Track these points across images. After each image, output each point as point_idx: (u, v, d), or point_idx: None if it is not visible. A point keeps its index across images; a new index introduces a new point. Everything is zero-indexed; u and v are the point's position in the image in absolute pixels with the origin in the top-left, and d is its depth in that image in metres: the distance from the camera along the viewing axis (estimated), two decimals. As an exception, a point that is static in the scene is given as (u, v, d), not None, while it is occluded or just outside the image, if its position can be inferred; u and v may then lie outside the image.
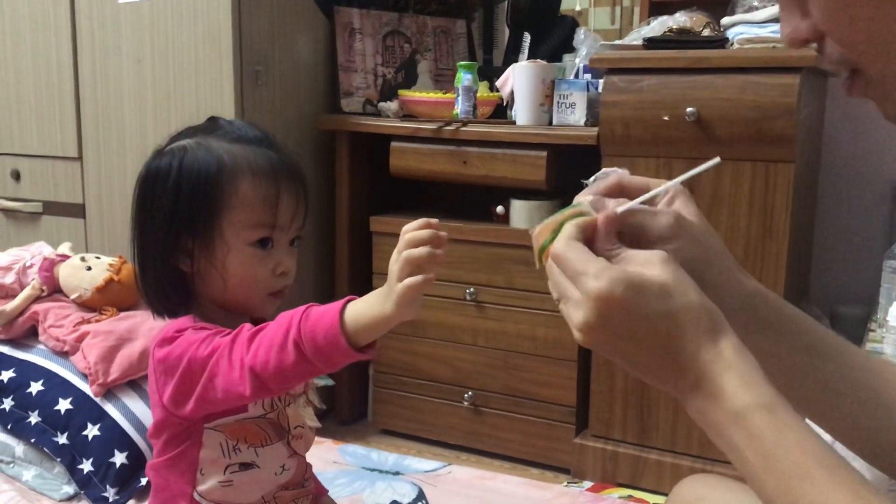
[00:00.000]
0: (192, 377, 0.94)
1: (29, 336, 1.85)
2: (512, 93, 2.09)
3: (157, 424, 1.04)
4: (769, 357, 0.71)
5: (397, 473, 1.80)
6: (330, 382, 2.10)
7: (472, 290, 2.08)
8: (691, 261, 0.68)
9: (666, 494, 1.13)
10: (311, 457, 1.14)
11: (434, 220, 0.88)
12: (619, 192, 0.73)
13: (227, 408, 0.99)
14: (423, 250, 0.86)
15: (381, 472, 1.80)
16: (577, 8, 2.48)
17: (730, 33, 1.85)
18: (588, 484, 1.95)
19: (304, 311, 0.90)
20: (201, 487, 1.02)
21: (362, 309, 0.88)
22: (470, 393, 2.13)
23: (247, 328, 0.93)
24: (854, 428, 0.76)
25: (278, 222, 1.02)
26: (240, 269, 1.01)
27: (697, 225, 0.72)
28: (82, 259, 1.89)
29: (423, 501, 1.67)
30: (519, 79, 2.03)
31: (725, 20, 1.89)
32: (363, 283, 2.24)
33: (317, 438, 1.73)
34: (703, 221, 0.73)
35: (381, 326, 0.87)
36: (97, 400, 1.70)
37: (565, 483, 1.96)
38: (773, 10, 1.78)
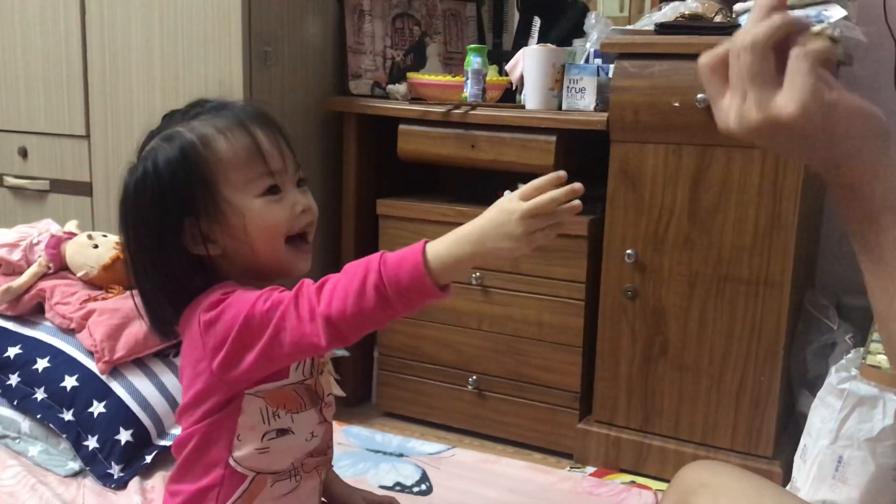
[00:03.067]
0: (250, 334, 0.93)
1: (35, 313, 1.85)
2: (521, 77, 2.08)
3: (196, 395, 1.01)
4: None
5: (401, 455, 1.80)
6: (345, 353, 2.11)
7: (478, 274, 2.08)
8: None
9: (668, 481, 1.13)
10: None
11: (563, 173, 0.91)
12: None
13: (290, 363, 0.99)
14: (568, 208, 0.90)
15: (384, 453, 1.81)
16: (588, -6, 2.46)
17: (742, 20, 1.84)
18: (591, 469, 1.96)
19: (381, 257, 0.91)
20: (237, 453, 1.02)
21: (449, 246, 0.90)
22: (474, 377, 2.13)
23: (308, 282, 0.93)
24: None
25: (272, 167, 1.01)
26: (260, 222, 1.00)
27: None
28: (89, 237, 1.89)
29: (427, 483, 1.68)
30: (529, 63, 2.02)
31: (738, 6, 1.88)
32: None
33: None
34: None
35: (471, 266, 0.91)
36: (103, 377, 1.70)
37: (568, 468, 1.96)
38: (787, -4, 1.77)
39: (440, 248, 0.89)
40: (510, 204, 0.90)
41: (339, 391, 1.13)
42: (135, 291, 1.06)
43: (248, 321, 0.93)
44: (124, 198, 1.03)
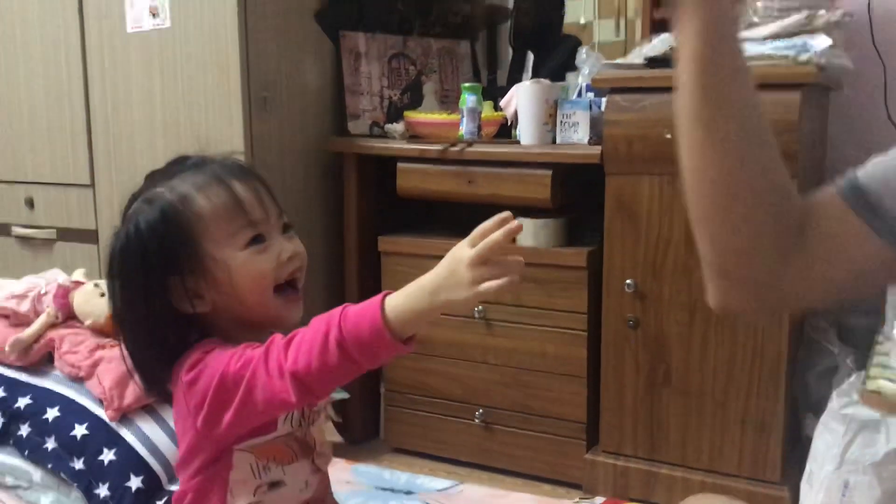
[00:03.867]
0: (226, 393, 0.94)
1: (45, 363, 1.87)
2: (516, 112, 2.12)
3: (187, 451, 1.03)
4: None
5: (409, 493, 1.81)
6: (345, 395, 2.12)
7: (480, 307, 2.10)
8: None
9: (676, 511, 1.14)
10: (324, 476, 1.16)
11: (507, 213, 0.89)
12: None
13: (266, 419, 0.99)
14: (515, 260, 0.88)
15: (393, 491, 1.82)
16: (582, 21, 2.50)
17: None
18: (600, 499, 1.96)
19: (342, 312, 0.90)
20: None
21: (405, 301, 0.89)
22: (481, 410, 2.14)
23: (279, 337, 0.94)
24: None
25: (253, 218, 1.02)
26: (246, 274, 1.01)
27: None
28: (96, 285, 1.91)
29: (436, 520, 1.68)
30: (523, 99, 2.05)
31: (726, 37, 1.91)
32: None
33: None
34: None
35: (429, 318, 0.89)
36: (112, 425, 1.72)
37: (577, 499, 1.97)
38: (774, 26, 1.80)
39: (398, 301, 0.89)
40: (459, 251, 0.88)
41: (335, 437, 1.14)
42: (126, 354, 1.07)
43: (222, 381, 0.94)
44: (110, 263, 1.04)
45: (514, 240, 0.90)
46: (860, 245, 0.74)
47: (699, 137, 0.76)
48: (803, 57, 1.71)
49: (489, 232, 0.88)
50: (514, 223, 0.88)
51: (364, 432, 2.36)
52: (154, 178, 1.07)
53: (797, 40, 1.74)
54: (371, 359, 0.90)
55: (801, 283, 0.77)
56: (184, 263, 1.01)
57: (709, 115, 0.75)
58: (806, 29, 1.78)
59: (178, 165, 1.07)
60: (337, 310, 0.91)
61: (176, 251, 1.00)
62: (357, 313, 0.89)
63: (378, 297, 0.89)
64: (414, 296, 0.88)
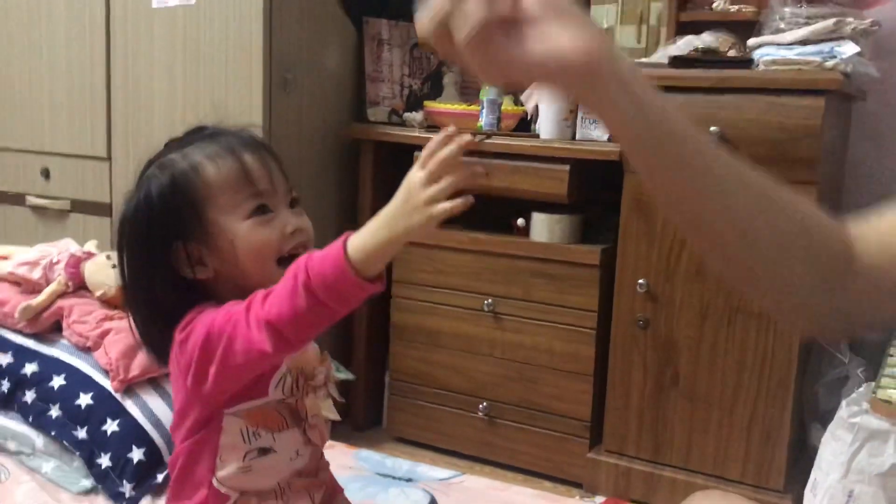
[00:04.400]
0: (210, 348, 0.94)
1: (53, 331, 1.87)
2: (536, 107, 2.11)
3: (180, 411, 1.05)
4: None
5: (410, 480, 1.81)
6: (350, 376, 2.12)
7: (490, 301, 2.09)
8: None
9: (678, 511, 1.13)
10: (324, 459, 1.15)
11: (451, 129, 0.85)
12: None
13: (248, 375, 0.99)
14: (461, 175, 0.82)
15: (394, 478, 1.81)
16: (604, 26, 2.49)
17: (756, 54, 1.86)
18: (601, 499, 1.95)
19: (308, 256, 0.89)
20: (220, 473, 1.04)
21: (366, 236, 0.86)
22: (485, 404, 2.14)
23: (260, 292, 0.93)
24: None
25: (259, 189, 1.03)
26: (248, 244, 1.01)
27: None
28: (108, 257, 1.91)
29: (435, 509, 1.68)
30: (544, 93, 2.04)
31: (752, 41, 1.90)
32: (384, 290, 2.26)
33: (331, 443, 1.74)
34: None
35: (391, 250, 0.86)
36: (117, 396, 1.72)
37: (578, 497, 1.96)
38: (800, 32, 1.79)
39: (361, 238, 0.87)
40: (412, 175, 0.85)
41: (333, 415, 1.13)
42: (132, 321, 1.08)
43: (208, 336, 0.95)
44: (121, 225, 1.06)
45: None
46: None
47: (691, 228, 0.68)
48: (829, 63, 1.70)
49: (436, 150, 0.84)
50: (464, 136, 0.84)
51: (367, 420, 2.35)
52: (171, 145, 1.09)
53: (824, 46, 1.73)
54: (338, 300, 0.87)
55: (868, 305, 0.72)
56: (188, 229, 1.02)
57: (690, 205, 0.65)
58: (833, 36, 1.76)
59: (195, 134, 1.09)
60: (303, 256, 0.90)
61: (182, 216, 1.02)
62: (322, 254, 0.88)
63: (342, 236, 0.88)
64: (373, 229, 0.86)
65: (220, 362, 0.95)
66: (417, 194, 0.84)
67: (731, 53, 1.91)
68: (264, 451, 1.04)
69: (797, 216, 0.69)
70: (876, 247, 0.71)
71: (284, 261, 1.04)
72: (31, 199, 2.48)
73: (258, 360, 0.95)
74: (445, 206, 0.82)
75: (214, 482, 1.04)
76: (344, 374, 2.03)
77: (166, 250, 1.02)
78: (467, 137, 0.84)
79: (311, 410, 1.09)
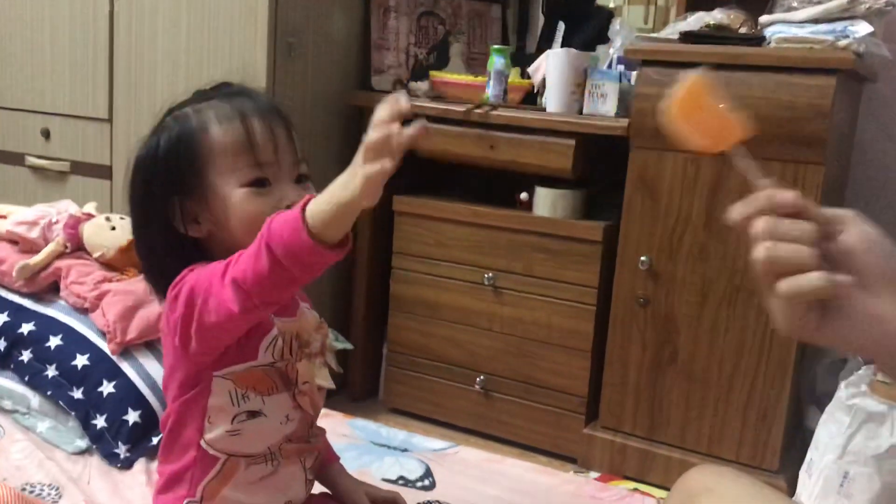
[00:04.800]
0: (193, 305, 0.94)
1: (50, 291, 1.86)
2: (544, 80, 2.09)
3: (169, 369, 1.05)
4: None
5: (405, 450, 1.81)
6: (348, 346, 2.11)
7: (490, 275, 2.08)
8: None
9: (673, 488, 1.13)
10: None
11: (400, 94, 0.83)
12: None
13: (225, 336, 0.98)
14: (379, 134, 0.80)
15: (389, 447, 1.81)
16: (612, 5, 2.47)
17: (767, 32, 1.83)
18: (595, 474, 1.95)
19: (273, 217, 0.88)
20: (208, 436, 1.03)
21: (321, 201, 0.84)
22: (482, 377, 2.13)
23: (240, 252, 0.92)
24: None
25: (261, 159, 1.01)
26: (240, 212, 1.01)
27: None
28: (107, 219, 1.90)
29: (430, 479, 1.68)
30: (552, 66, 2.02)
31: (763, 18, 1.87)
32: (384, 261, 2.25)
33: (327, 412, 1.74)
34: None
35: (345, 215, 0.84)
36: (114, 358, 1.71)
37: (572, 472, 1.96)
38: (813, 10, 1.77)
39: (315, 202, 0.85)
40: (364, 139, 0.83)
41: (327, 383, 1.12)
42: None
43: (191, 293, 0.95)
44: (134, 169, 1.06)
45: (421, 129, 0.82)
46: None
47: None
48: (842, 42, 1.68)
49: (379, 115, 0.83)
50: (402, 102, 0.82)
51: (363, 391, 2.35)
52: (195, 96, 1.09)
53: (837, 25, 1.71)
54: (297, 264, 0.86)
55: None
56: (186, 186, 1.02)
57: None
58: (846, 15, 1.74)
59: (217, 91, 1.09)
60: (272, 215, 0.89)
61: (182, 173, 1.02)
62: (283, 216, 0.87)
63: (304, 198, 0.87)
64: (327, 194, 0.84)
65: (197, 321, 0.94)
66: (356, 159, 0.82)
67: (743, 30, 1.88)
68: (253, 415, 1.04)
69: None
70: None
71: None
72: (31, 160, 2.47)
73: (227, 320, 0.93)
74: (374, 167, 0.80)
75: (203, 443, 1.04)
76: (342, 344, 2.03)
77: (165, 203, 1.03)
78: (404, 102, 0.81)
79: (303, 377, 1.08)
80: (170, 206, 1.03)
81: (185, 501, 1.06)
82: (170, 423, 1.07)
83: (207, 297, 0.92)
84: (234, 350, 1.01)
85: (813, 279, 0.60)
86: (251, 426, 1.04)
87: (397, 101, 0.82)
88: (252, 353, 1.02)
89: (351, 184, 0.82)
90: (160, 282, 1.05)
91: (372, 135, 0.81)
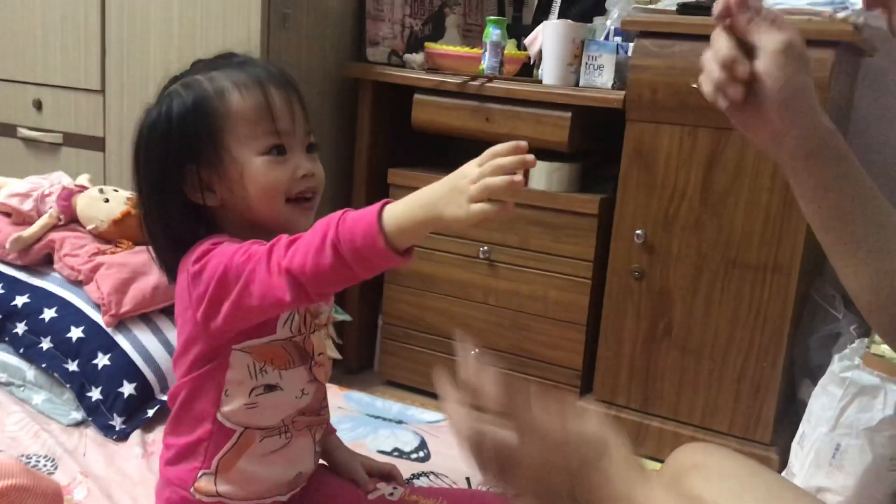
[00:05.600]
0: (226, 285, 0.94)
1: (44, 263, 1.86)
2: (540, 52, 2.07)
3: (185, 343, 1.03)
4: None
5: (400, 422, 1.81)
6: (347, 317, 2.12)
7: (485, 248, 2.08)
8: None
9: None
10: (316, 401, 1.15)
11: (523, 143, 0.84)
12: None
13: (261, 317, 0.99)
14: (504, 179, 0.82)
15: (384, 419, 1.82)
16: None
17: (766, 3, 1.82)
18: (588, 447, 1.96)
19: (342, 214, 0.88)
20: (225, 408, 1.03)
21: (403, 210, 0.85)
22: (477, 350, 2.13)
23: (285, 237, 0.93)
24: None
25: (279, 127, 1.02)
26: (258, 179, 1.00)
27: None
28: (100, 191, 1.89)
29: (425, 450, 1.69)
30: (549, 37, 2.00)
31: (762, -10, 1.86)
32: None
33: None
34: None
35: (424, 230, 0.85)
36: (109, 330, 1.71)
37: (566, 444, 1.97)
38: (813, -19, 1.75)
39: (397, 210, 0.86)
40: (466, 168, 0.85)
41: (335, 353, 1.13)
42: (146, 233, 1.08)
43: (225, 272, 0.94)
44: (137, 138, 1.04)
45: (526, 175, 0.86)
46: None
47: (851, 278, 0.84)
48: (841, 14, 1.67)
49: (500, 155, 0.84)
50: (529, 157, 0.83)
51: (358, 363, 2.36)
52: (198, 66, 1.07)
53: (836, -3, 1.69)
54: (363, 265, 0.87)
55: None
56: (203, 154, 1.01)
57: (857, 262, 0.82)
58: (846, -14, 1.72)
59: (224, 59, 1.07)
60: (338, 212, 0.89)
61: (199, 140, 1.00)
62: (355, 217, 0.87)
63: (379, 204, 0.87)
64: (411, 205, 0.85)
65: (234, 301, 0.93)
66: (465, 187, 0.83)
67: (741, 2, 1.86)
68: (270, 388, 1.04)
69: None
70: None
71: (292, 201, 1.03)
72: (23, 132, 2.45)
73: (274, 306, 0.94)
74: (484, 206, 0.82)
75: (219, 416, 1.04)
76: (342, 315, 2.03)
77: (179, 172, 1.01)
78: (531, 158, 0.84)
79: (318, 349, 1.09)
80: (185, 174, 1.01)
81: (200, 473, 1.06)
82: (182, 396, 1.06)
83: (251, 280, 0.92)
84: (253, 326, 1.01)
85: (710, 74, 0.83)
86: (268, 399, 1.04)
87: (520, 148, 0.83)
88: (271, 328, 1.03)
89: (444, 207, 0.83)
90: (171, 254, 1.04)
91: (497, 180, 0.81)
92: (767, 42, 0.79)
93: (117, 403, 1.64)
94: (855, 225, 0.81)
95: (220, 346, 1.01)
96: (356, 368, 2.35)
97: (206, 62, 1.07)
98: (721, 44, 0.81)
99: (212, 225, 1.04)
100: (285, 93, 1.04)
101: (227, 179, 1.01)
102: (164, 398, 1.66)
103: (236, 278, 0.93)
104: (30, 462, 1.47)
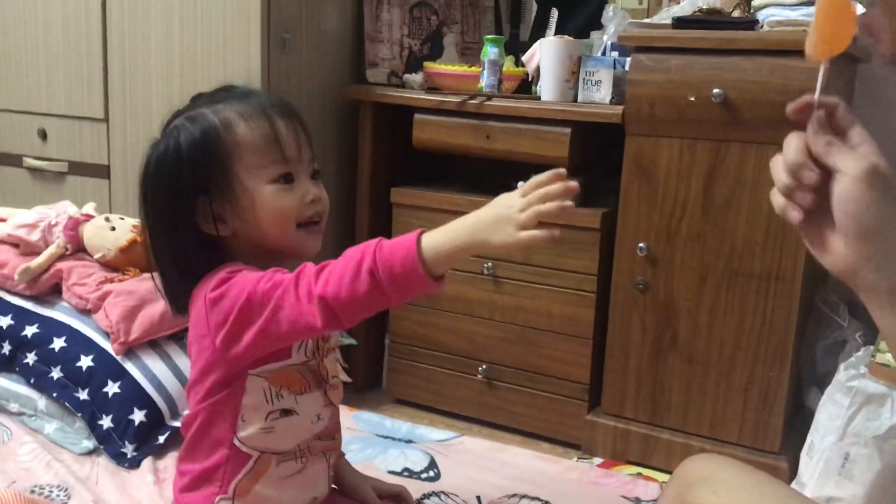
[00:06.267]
0: (250, 312, 0.95)
1: (52, 293, 1.87)
2: (538, 68, 2.09)
3: (202, 370, 1.05)
4: None
5: (410, 442, 1.82)
6: (352, 342, 2.13)
7: (489, 264, 2.09)
8: None
9: (675, 472, 1.14)
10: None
11: (562, 171, 0.90)
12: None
13: (287, 343, 1.01)
14: (555, 205, 0.88)
15: (393, 439, 1.83)
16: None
17: (760, 15, 1.83)
18: (598, 460, 1.97)
19: (377, 243, 0.92)
20: (242, 433, 1.05)
21: (443, 237, 0.90)
22: (484, 366, 2.15)
23: (310, 265, 0.95)
24: None
25: (287, 155, 1.04)
26: (270, 207, 1.03)
27: None
28: (107, 219, 1.91)
29: (435, 470, 1.69)
30: (546, 54, 2.02)
31: (756, 1, 1.87)
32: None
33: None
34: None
35: (464, 256, 0.90)
36: (118, 358, 1.73)
37: (576, 458, 1.98)
38: (806, -8, 1.76)
39: (435, 237, 0.90)
40: (510, 199, 0.90)
41: (344, 377, 1.15)
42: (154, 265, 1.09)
43: (249, 300, 0.95)
44: (145, 172, 1.06)
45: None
46: None
47: None
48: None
49: (543, 184, 0.89)
50: (573, 183, 0.90)
51: (366, 382, 2.37)
52: (200, 99, 1.10)
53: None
54: (401, 292, 0.90)
55: None
56: (213, 185, 1.03)
57: None
58: (839, -4, 1.74)
59: (226, 92, 1.10)
60: (373, 241, 0.92)
61: (209, 172, 1.03)
62: (393, 244, 0.90)
63: (416, 233, 0.90)
64: (452, 232, 0.90)
65: (261, 328, 0.95)
66: (513, 215, 0.88)
67: (736, 14, 1.88)
68: (286, 413, 1.06)
69: None
70: None
71: (302, 226, 1.05)
72: (29, 161, 2.47)
73: (304, 332, 0.96)
74: (535, 233, 0.87)
75: (236, 442, 1.05)
76: (348, 340, 2.04)
77: (190, 203, 1.03)
78: (574, 184, 0.90)
79: (331, 372, 1.10)
80: (196, 206, 1.03)
81: (217, 498, 1.07)
82: (198, 422, 1.07)
83: (278, 308, 0.94)
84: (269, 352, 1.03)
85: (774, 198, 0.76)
86: (284, 424, 1.06)
87: (561, 175, 0.90)
88: (286, 352, 1.05)
89: (489, 233, 0.88)
90: (180, 284, 1.06)
91: (548, 206, 0.88)
92: (846, 166, 0.71)
93: (128, 431, 1.65)
94: None
95: (238, 373, 1.02)
96: (364, 387, 2.35)
97: (207, 95, 1.09)
98: (790, 147, 0.74)
99: (222, 253, 1.05)
100: (289, 121, 1.06)
101: (239, 209, 1.03)
102: (175, 424, 1.67)
103: (261, 305, 0.94)
104: (42, 493, 1.48)
